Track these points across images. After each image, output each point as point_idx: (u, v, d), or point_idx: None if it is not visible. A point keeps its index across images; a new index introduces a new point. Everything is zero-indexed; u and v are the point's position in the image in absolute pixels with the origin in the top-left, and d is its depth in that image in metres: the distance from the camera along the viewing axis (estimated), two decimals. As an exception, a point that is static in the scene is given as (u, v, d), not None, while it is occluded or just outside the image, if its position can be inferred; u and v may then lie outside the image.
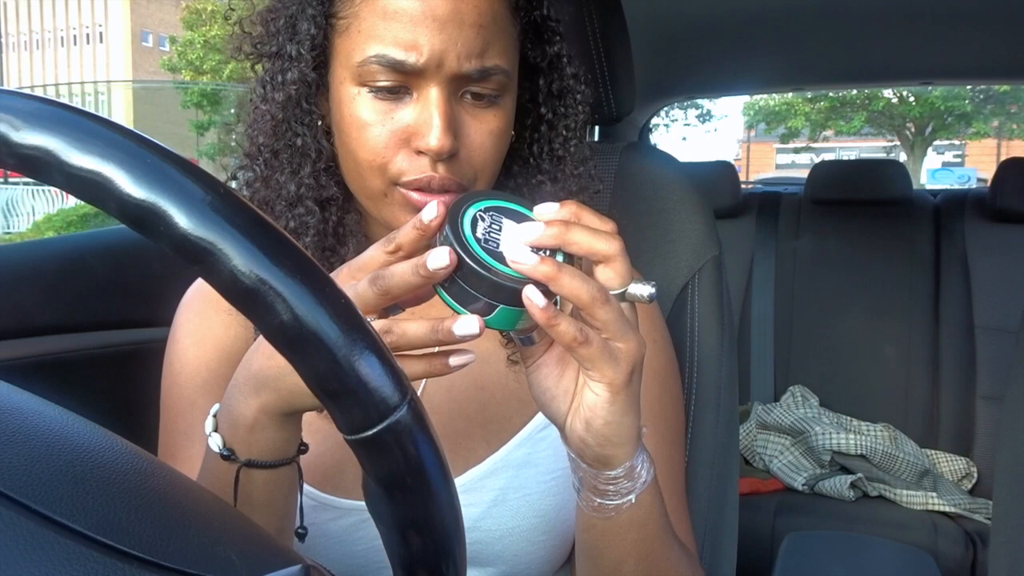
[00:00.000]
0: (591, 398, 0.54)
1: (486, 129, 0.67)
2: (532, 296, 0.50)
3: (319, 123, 0.71)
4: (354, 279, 0.53)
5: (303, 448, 0.59)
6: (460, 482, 0.73)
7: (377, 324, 0.51)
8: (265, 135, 0.72)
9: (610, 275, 0.53)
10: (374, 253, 0.54)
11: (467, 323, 0.51)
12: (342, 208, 0.73)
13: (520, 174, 0.76)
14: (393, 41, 0.63)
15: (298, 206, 0.71)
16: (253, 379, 0.54)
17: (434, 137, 0.64)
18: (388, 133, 0.65)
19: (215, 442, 0.57)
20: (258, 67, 0.73)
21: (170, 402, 0.76)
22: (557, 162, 0.75)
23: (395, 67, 0.64)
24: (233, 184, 0.77)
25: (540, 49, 0.74)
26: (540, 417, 0.74)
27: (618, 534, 0.60)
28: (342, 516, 0.71)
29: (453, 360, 0.53)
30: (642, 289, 0.53)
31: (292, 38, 0.70)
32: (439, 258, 0.50)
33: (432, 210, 0.52)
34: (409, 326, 0.52)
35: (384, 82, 0.65)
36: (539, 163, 0.75)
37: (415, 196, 0.66)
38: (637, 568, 0.62)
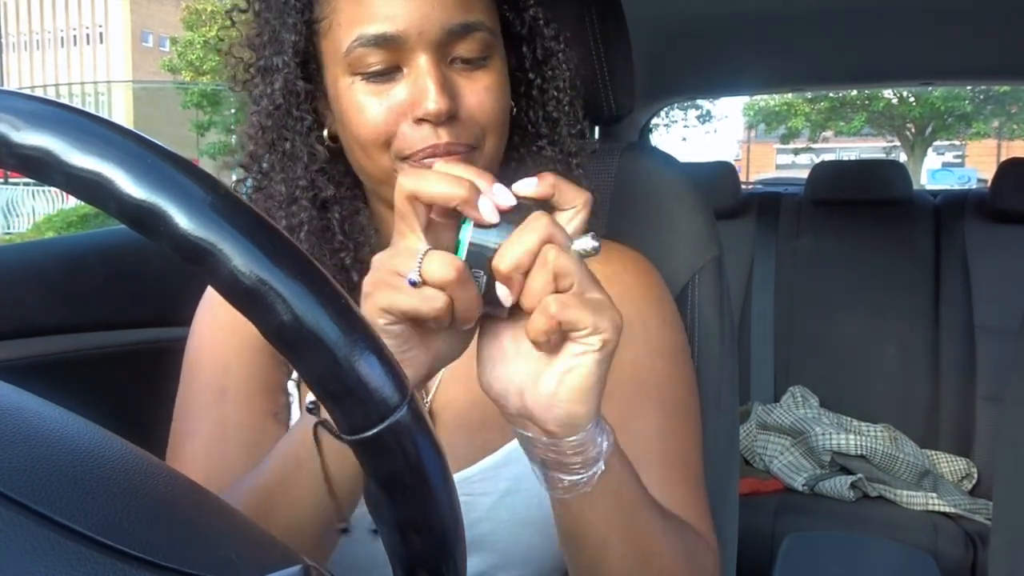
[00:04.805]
0: (577, 350, 0.51)
1: (481, 87, 0.69)
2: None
3: (313, 129, 0.73)
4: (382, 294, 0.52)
5: None
6: (475, 471, 0.73)
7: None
8: (257, 144, 0.74)
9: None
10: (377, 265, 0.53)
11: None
12: (347, 207, 0.74)
13: (522, 143, 0.78)
14: (370, 19, 0.65)
15: (292, 205, 0.72)
16: None
17: (431, 100, 0.65)
18: (386, 109, 0.67)
19: (309, 397, 0.55)
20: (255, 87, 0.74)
21: (190, 395, 0.76)
22: (553, 124, 0.78)
23: (378, 43, 0.65)
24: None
25: (519, 16, 0.76)
26: None
27: (595, 510, 0.57)
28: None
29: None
30: (586, 243, 0.53)
31: (277, 51, 0.71)
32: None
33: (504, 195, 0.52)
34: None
35: (375, 66, 0.66)
36: (537, 128, 0.78)
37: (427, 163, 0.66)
38: (624, 543, 0.59)
